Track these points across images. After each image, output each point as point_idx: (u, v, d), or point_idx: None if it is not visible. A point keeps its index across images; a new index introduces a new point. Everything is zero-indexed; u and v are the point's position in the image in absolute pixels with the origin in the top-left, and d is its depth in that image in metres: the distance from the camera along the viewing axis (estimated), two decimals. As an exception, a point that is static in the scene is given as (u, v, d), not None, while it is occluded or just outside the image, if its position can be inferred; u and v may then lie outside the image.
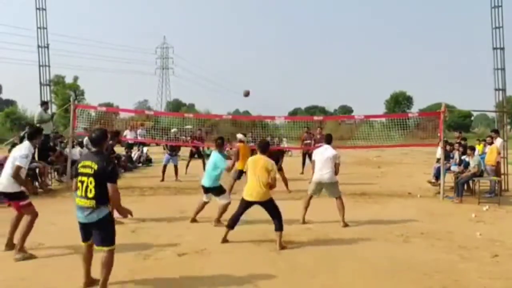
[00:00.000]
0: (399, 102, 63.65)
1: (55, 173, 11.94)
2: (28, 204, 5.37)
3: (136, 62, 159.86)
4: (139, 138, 16.81)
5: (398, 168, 16.86)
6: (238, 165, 9.21)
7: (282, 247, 5.72)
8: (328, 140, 7.50)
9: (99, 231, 4.10)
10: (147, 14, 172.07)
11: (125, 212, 4.27)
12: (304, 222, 7.17)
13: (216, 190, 7.01)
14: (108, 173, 4.01)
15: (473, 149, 10.53)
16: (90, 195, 4.01)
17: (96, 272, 4.24)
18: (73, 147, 12.34)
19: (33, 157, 10.84)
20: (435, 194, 10.16)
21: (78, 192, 4.10)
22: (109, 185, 4.01)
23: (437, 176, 10.62)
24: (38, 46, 13.84)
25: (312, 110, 67.44)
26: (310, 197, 7.33)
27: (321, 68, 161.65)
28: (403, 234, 6.53)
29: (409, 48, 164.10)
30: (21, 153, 5.32)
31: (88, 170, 4.04)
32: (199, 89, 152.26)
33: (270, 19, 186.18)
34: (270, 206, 5.86)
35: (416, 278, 4.73)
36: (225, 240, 5.96)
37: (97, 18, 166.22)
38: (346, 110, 72.42)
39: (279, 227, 5.79)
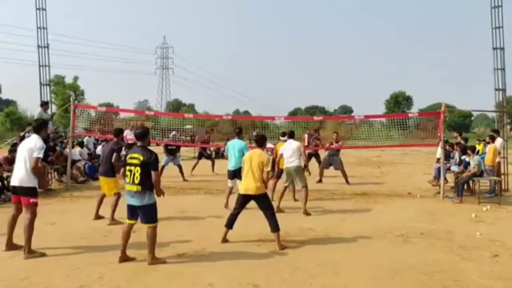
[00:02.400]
0: (399, 102, 63.70)
1: (55, 173, 11.93)
2: (36, 202, 5.43)
3: (136, 62, 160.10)
4: None
5: (398, 168, 16.86)
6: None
7: (283, 247, 5.72)
8: (291, 135, 8.49)
9: (144, 213, 5.02)
10: (147, 14, 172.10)
11: (160, 192, 5.10)
12: (278, 210, 7.47)
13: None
14: (151, 163, 4.92)
15: (473, 149, 10.54)
16: (137, 181, 4.90)
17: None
18: (73, 147, 12.35)
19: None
20: (435, 194, 10.17)
21: (127, 179, 4.99)
22: (152, 173, 4.94)
23: (437, 176, 10.61)
24: (38, 46, 13.88)
25: (312, 110, 67.50)
26: (285, 188, 8.33)
27: (321, 68, 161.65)
28: (403, 234, 6.53)
29: (409, 48, 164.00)
30: (37, 145, 5.36)
31: (136, 161, 4.93)
32: (199, 89, 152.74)
33: (269, 19, 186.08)
34: (263, 201, 5.91)
35: (416, 278, 4.73)
36: (225, 240, 5.97)
37: (97, 18, 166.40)
38: (346, 110, 72.54)
39: (275, 228, 5.78)
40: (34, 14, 13.64)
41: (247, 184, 5.88)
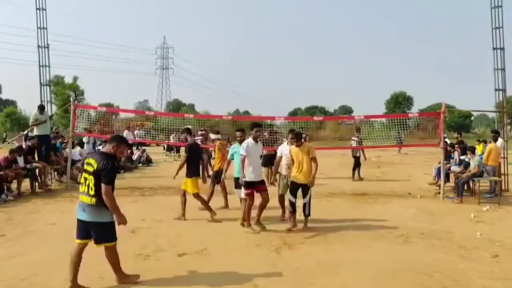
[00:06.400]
0: (399, 102, 63.65)
1: (55, 173, 11.93)
2: (266, 188, 6.77)
3: (136, 62, 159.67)
4: (137, 138, 16.83)
5: (398, 168, 16.85)
6: (216, 165, 8.55)
7: (308, 229, 6.68)
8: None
9: (96, 231, 4.19)
10: (147, 14, 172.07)
11: (120, 219, 4.21)
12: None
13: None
14: (103, 173, 4.06)
15: (473, 149, 10.55)
16: (91, 192, 4.10)
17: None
18: (73, 147, 12.35)
19: (33, 157, 10.91)
20: (435, 194, 10.17)
21: (81, 189, 4.23)
22: (102, 185, 4.05)
23: (438, 176, 10.61)
24: (38, 46, 13.88)
25: (312, 110, 67.40)
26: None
27: (321, 68, 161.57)
28: (403, 234, 6.53)
29: (409, 48, 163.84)
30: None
31: (90, 168, 4.14)
32: (199, 89, 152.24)
33: (270, 19, 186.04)
34: (308, 188, 6.90)
35: (416, 278, 4.73)
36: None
37: (97, 18, 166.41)
38: (346, 110, 72.46)
39: (309, 212, 6.89)
40: (34, 14, 13.67)
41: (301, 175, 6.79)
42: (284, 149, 7.38)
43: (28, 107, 41.65)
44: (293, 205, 6.84)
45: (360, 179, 12.95)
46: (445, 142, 10.53)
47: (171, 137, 14.67)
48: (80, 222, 4.22)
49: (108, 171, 4.08)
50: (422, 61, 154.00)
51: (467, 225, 7.28)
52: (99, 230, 4.18)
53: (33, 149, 11.15)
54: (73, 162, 11.75)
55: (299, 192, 6.87)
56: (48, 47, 14.04)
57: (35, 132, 11.46)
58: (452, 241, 6.18)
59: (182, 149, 18.81)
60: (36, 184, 10.28)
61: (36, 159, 11.02)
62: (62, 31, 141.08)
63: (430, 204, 9.12)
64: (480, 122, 70.85)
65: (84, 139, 14.48)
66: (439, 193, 9.87)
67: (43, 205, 8.71)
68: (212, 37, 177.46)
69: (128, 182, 12.03)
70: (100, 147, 14.62)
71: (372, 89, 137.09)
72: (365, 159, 13.83)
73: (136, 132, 17.52)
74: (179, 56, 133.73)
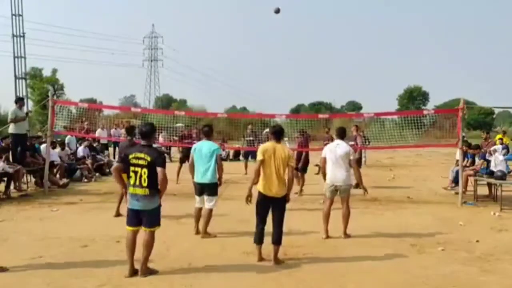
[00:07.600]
0: (413, 98, 63.86)
1: (31, 176, 11.85)
2: None
3: (122, 53, 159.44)
4: (114, 137, 16.75)
5: (412, 171, 16.89)
6: None
7: (280, 261, 5.65)
8: (342, 134, 7.14)
9: (149, 217, 5.05)
10: (134, 0, 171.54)
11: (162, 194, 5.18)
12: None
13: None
14: (159, 162, 4.97)
15: (476, 146, 10.65)
16: (145, 183, 4.94)
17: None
18: (54, 148, 12.28)
19: (8, 160, 10.81)
20: (455, 193, 10.18)
21: (131, 181, 5.00)
22: (159, 170, 4.94)
23: (456, 180, 10.63)
24: (13, 35, 13.89)
25: (317, 106, 67.53)
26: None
27: (326, 61, 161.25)
28: (417, 244, 6.55)
29: (426, 39, 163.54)
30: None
31: (142, 162, 4.95)
32: (191, 84, 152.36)
33: (269, 7, 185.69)
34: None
35: (431, 292, 4.74)
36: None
37: (78, 5, 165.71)
38: (354, 107, 72.57)
39: (279, 240, 5.68)
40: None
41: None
42: None
43: (2, 103, 41.60)
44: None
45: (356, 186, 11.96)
46: (465, 142, 10.57)
47: (160, 136, 14.68)
48: (133, 212, 5.05)
49: (164, 159, 5.15)
50: (440, 52, 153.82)
51: (488, 234, 7.30)
52: (150, 216, 5.04)
53: (7, 149, 11.06)
54: (51, 164, 11.69)
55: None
56: (23, 36, 14.08)
57: (11, 130, 11.18)
58: (472, 252, 6.20)
59: (173, 149, 18.82)
60: (11, 188, 10.24)
61: (11, 160, 10.94)
62: (39, 19, 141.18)
63: (447, 211, 9.14)
64: (503, 120, 70.98)
65: (66, 141, 14.44)
66: (457, 193, 9.92)
67: (19, 212, 8.69)
68: (207, 26, 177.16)
69: (113, 186, 11.98)
70: (81, 147, 14.61)
71: (384, 83, 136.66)
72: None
73: (112, 131, 17.49)
74: (169, 47, 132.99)
